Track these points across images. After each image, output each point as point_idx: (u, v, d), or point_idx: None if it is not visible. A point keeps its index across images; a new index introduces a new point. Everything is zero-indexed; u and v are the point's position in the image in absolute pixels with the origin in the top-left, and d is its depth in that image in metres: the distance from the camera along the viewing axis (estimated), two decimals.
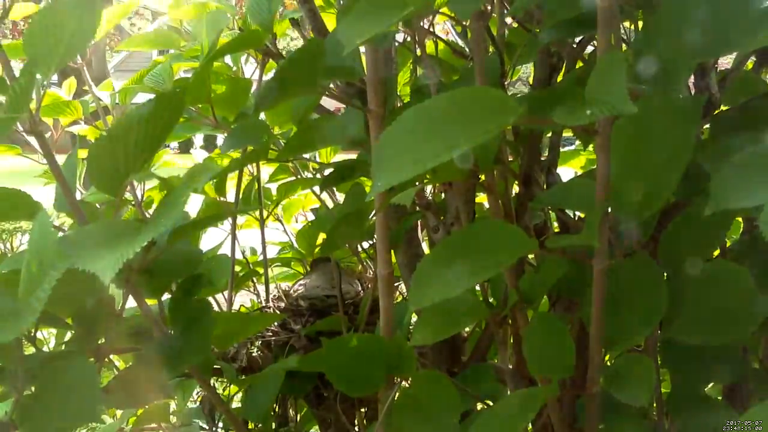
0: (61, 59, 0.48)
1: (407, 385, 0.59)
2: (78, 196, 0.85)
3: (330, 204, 0.94)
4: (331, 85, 0.71)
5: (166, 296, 0.62)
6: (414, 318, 0.72)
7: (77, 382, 0.45)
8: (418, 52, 0.74)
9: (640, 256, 0.47)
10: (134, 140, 0.48)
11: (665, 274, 0.50)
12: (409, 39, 0.76)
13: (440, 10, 0.65)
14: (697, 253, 0.48)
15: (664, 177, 0.41)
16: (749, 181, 0.35)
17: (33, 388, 0.47)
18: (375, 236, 0.60)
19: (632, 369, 0.45)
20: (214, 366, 0.74)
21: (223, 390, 0.90)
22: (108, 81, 1.06)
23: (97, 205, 0.77)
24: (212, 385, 0.82)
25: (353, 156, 0.69)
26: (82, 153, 0.67)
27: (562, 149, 0.70)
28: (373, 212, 0.60)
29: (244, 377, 0.78)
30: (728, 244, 0.59)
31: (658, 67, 0.39)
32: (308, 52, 0.50)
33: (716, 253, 0.56)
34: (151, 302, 0.58)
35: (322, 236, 0.94)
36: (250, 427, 0.74)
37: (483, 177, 0.56)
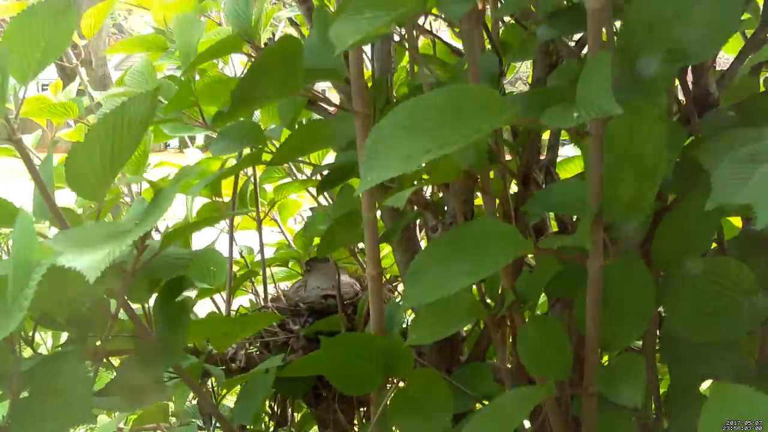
0: (38, 65, 0.47)
1: (404, 385, 0.58)
2: (72, 200, 0.85)
3: (326, 204, 0.93)
4: (330, 85, 0.71)
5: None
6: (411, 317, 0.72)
7: (70, 384, 0.45)
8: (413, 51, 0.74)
9: (629, 257, 0.47)
10: (110, 145, 0.48)
11: (661, 273, 0.49)
12: (406, 37, 0.76)
13: (432, 11, 0.65)
14: (690, 249, 0.48)
15: (646, 183, 0.40)
16: (749, 177, 0.35)
17: (27, 391, 0.47)
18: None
19: (626, 369, 0.45)
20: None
21: (220, 390, 0.89)
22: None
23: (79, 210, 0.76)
24: (209, 386, 0.81)
25: None
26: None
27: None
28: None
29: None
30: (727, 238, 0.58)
31: (640, 73, 0.39)
32: (282, 52, 0.47)
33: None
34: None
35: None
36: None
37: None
